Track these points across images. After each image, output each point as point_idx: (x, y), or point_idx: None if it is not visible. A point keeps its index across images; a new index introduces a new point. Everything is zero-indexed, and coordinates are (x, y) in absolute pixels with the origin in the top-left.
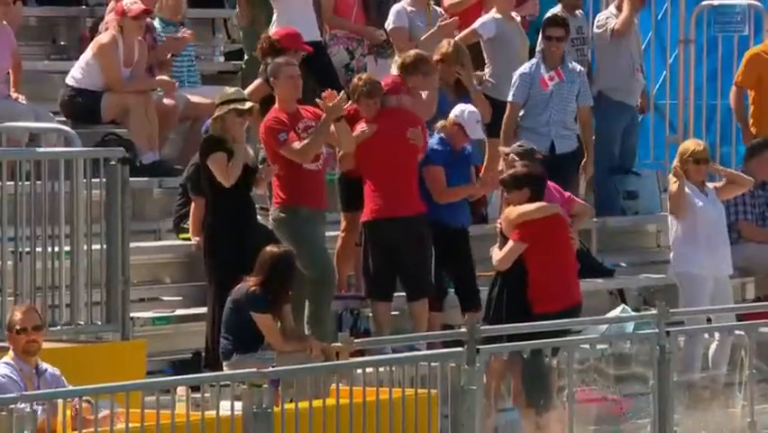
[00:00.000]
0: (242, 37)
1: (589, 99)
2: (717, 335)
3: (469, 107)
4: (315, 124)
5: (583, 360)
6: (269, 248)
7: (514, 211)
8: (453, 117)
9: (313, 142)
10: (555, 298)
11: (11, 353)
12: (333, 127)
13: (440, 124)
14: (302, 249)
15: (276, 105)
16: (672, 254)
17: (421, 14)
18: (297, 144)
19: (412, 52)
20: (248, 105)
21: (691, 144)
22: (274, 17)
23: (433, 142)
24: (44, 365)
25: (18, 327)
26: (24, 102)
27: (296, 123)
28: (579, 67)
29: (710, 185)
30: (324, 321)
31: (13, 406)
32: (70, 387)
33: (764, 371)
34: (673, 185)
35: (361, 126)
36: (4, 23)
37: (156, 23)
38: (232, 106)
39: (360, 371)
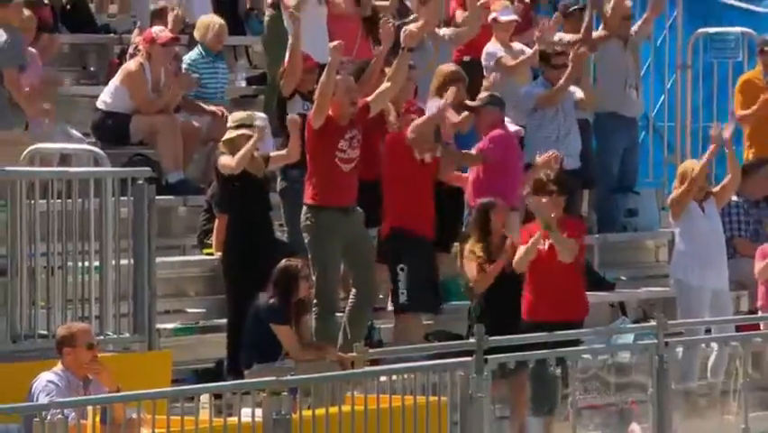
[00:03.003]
0: (267, 65)
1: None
2: (714, 345)
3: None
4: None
5: (585, 369)
6: (284, 262)
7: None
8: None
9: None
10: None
11: (60, 365)
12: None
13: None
14: (314, 267)
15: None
16: (672, 266)
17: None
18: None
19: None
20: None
21: (691, 164)
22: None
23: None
24: (90, 375)
25: (87, 343)
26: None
27: (344, 132)
28: (577, 90)
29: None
30: (329, 332)
31: (45, 412)
32: (101, 395)
33: (758, 380)
34: (676, 190)
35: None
36: (33, 50)
37: (195, 52)
38: (242, 131)
39: (374, 379)
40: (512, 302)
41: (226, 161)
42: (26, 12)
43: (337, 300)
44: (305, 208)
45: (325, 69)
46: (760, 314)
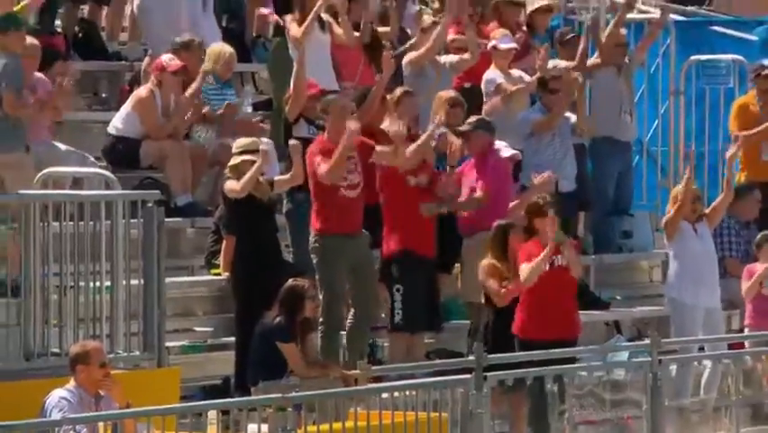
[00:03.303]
0: (273, 91)
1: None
2: (708, 362)
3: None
4: (356, 156)
5: (581, 386)
6: (290, 282)
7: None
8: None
9: (336, 164)
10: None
11: (72, 382)
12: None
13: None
14: (321, 288)
15: (324, 136)
16: (666, 285)
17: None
18: (324, 166)
19: None
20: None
21: (683, 188)
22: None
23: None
24: (101, 392)
25: (101, 362)
26: (66, 147)
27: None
28: (572, 116)
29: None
30: (334, 349)
31: (58, 428)
32: (112, 411)
33: (749, 396)
34: (669, 212)
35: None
36: (41, 75)
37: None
38: (246, 157)
39: (376, 396)
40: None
41: (232, 186)
42: (31, 40)
43: (343, 320)
44: (312, 233)
45: (343, 143)
46: (746, 332)
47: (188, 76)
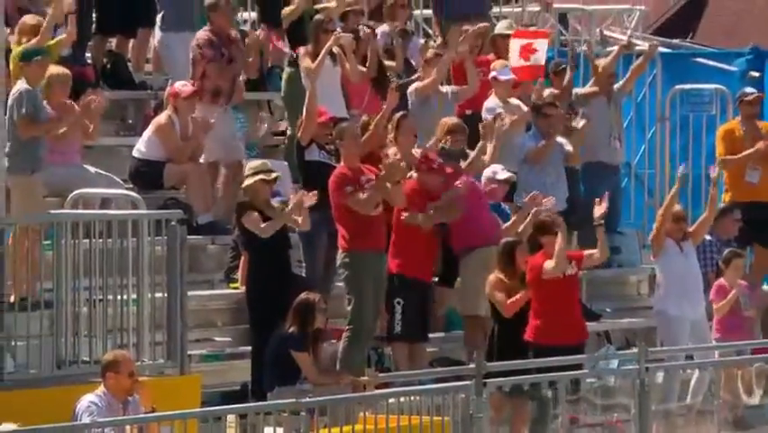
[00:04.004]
0: (288, 117)
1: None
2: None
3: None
4: (373, 179)
5: (574, 391)
6: (303, 295)
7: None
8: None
9: (373, 196)
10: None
11: (102, 388)
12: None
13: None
14: (351, 296)
15: (341, 162)
16: (653, 299)
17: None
18: (361, 195)
19: None
20: (273, 175)
21: (665, 205)
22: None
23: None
24: (129, 397)
25: (129, 370)
26: (95, 170)
27: (358, 177)
28: (566, 143)
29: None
30: (352, 360)
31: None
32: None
33: (729, 401)
34: (655, 231)
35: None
36: (71, 102)
37: None
38: (259, 177)
39: (384, 401)
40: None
41: (256, 226)
42: (60, 69)
43: (367, 326)
44: (341, 251)
45: (377, 181)
46: (714, 344)
47: (219, 36)
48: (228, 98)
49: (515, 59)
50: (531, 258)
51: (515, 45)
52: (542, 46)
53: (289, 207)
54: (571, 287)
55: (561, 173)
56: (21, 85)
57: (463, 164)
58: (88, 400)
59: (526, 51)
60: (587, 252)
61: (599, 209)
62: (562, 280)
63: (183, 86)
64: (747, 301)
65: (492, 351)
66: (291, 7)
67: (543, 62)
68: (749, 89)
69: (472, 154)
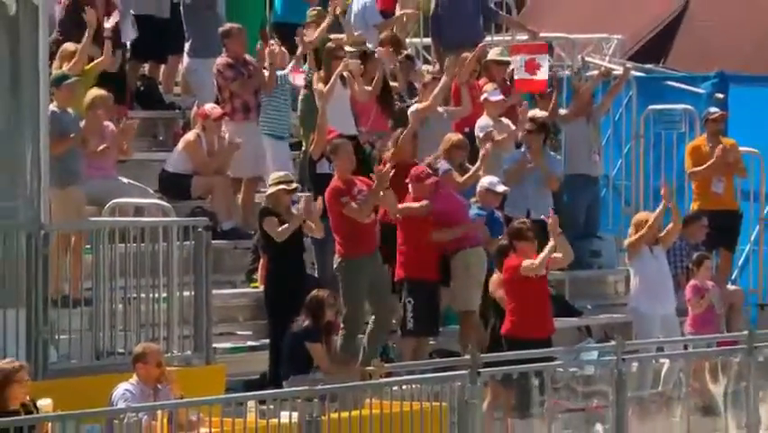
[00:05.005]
0: (303, 134)
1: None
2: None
3: (489, 177)
4: (364, 189)
5: (558, 380)
6: (315, 292)
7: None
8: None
9: (367, 204)
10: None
11: (135, 377)
12: (381, 193)
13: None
14: (345, 297)
15: (336, 176)
16: (629, 297)
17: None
18: (354, 205)
19: None
20: (293, 185)
21: (644, 215)
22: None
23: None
24: (159, 385)
25: (157, 361)
26: (129, 181)
27: (351, 188)
28: (552, 153)
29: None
30: (351, 349)
31: (123, 415)
32: (169, 401)
33: (697, 389)
34: (632, 237)
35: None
36: (111, 125)
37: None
38: (281, 186)
39: (388, 388)
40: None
41: (274, 230)
42: (101, 91)
43: (361, 326)
44: (336, 256)
45: (370, 191)
46: (685, 337)
47: (236, 60)
48: (257, 112)
49: (520, 72)
50: (507, 260)
51: (517, 59)
52: (544, 61)
53: (299, 210)
54: (542, 286)
55: (545, 187)
56: (51, 107)
57: (462, 178)
58: (123, 388)
59: (532, 66)
60: (553, 255)
61: (552, 220)
62: (535, 280)
63: (212, 108)
64: (719, 301)
65: (494, 340)
66: (309, 38)
67: (546, 76)
68: (713, 109)
69: (472, 170)
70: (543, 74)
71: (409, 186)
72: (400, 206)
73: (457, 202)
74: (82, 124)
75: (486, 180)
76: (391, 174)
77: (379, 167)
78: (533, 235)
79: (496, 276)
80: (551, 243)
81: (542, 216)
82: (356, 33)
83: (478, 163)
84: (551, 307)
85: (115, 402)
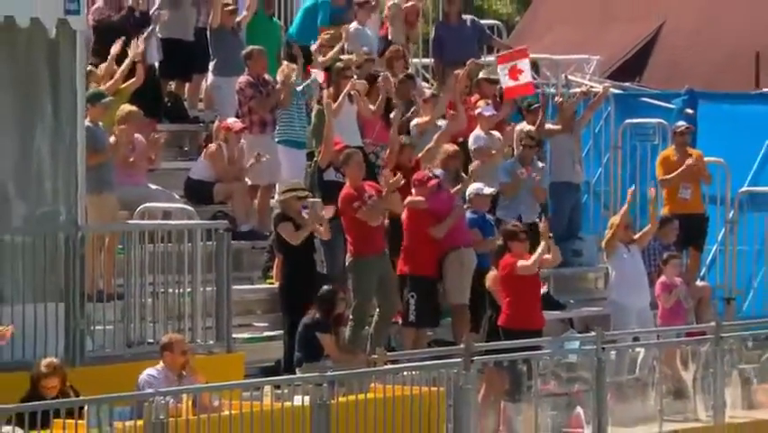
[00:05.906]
0: (314, 146)
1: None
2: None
3: (475, 184)
4: (374, 193)
5: (544, 367)
6: (325, 287)
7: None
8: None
9: (376, 208)
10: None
11: (161, 364)
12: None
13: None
14: (355, 292)
15: (347, 183)
16: (608, 292)
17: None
18: (365, 209)
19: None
20: (303, 193)
21: (620, 217)
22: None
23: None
24: (184, 372)
25: (182, 350)
26: (157, 188)
27: (362, 194)
28: (541, 164)
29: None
30: (359, 339)
31: (152, 399)
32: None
33: (669, 375)
34: (608, 236)
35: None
36: (141, 137)
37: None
38: (292, 194)
39: (391, 375)
40: None
41: (289, 235)
42: (133, 108)
43: (368, 318)
44: (348, 255)
45: (381, 197)
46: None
47: (257, 79)
48: (273, 127)
49: (505, 81)
50: (502, 260)
51: (502, 70)
52: (525, 66)
53: (308, 214)
54: (534, 283)
55: (531, 192)
56: (85, 122)
57: (457, 186)
58: (147, 373)
59: (515, 72)
60: (544, 256)
61: (543, 225)
62: (528, 277)
63: (234, 122)
64: (686, 296)
65: (490, 333)
66: (323, 58)
67: (530, 78)
68: (680, 123)
69: (465, 178)
70: (525, 77)
71: (412, 189)
72: (405, 201)
73: (453, 200)
74: (111, 138)
75: (473, 187)
76: (401, 183)
77: (385, 171)
78: (525, 237)
79: (492, 273)
80: (542, 244)
81: (535, 219)
82: (363, 50)
83: (473, 175)
84: (541, 302)
85: (141, 386)
